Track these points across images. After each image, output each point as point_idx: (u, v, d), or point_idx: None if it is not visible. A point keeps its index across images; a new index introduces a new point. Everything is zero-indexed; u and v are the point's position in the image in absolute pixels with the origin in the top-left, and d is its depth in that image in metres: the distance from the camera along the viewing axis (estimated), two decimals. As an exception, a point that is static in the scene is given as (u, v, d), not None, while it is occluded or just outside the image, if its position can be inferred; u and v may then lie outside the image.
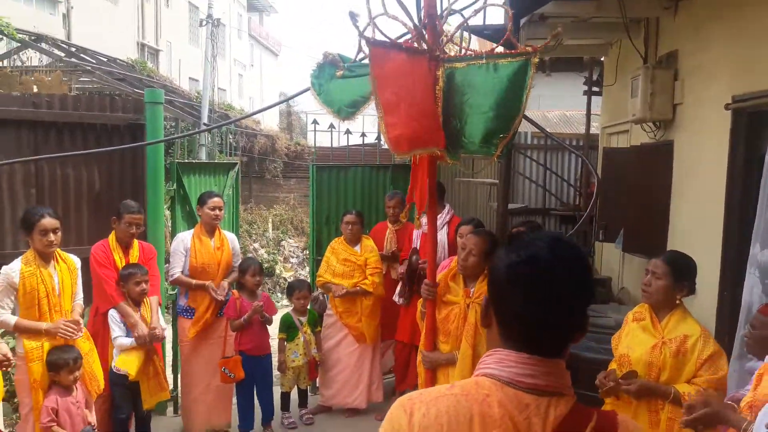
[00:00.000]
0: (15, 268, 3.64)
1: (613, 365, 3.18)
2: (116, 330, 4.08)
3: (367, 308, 5.10)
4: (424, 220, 4.17)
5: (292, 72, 52.85)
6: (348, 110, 3.37)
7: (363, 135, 6.27)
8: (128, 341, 4.05)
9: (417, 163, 3.17)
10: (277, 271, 11.59)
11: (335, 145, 6.57)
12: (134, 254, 4.39)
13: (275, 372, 5.03)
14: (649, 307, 3.08)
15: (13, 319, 3.59)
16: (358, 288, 5.06)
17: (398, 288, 4.99)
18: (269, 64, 37.97)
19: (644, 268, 3.16)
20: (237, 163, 6.40)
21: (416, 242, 5.05)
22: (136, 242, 4.43)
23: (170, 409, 5.14)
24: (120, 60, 13.83)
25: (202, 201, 4.84)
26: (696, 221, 4.67)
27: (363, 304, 5.10)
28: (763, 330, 2.45)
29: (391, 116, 3.15)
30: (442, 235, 4.91)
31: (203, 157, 8.46)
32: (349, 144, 6.35)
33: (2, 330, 3.63)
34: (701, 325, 2.96)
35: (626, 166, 5.81)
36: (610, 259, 6.36)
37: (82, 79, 11.57)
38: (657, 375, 2.88)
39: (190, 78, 23.85)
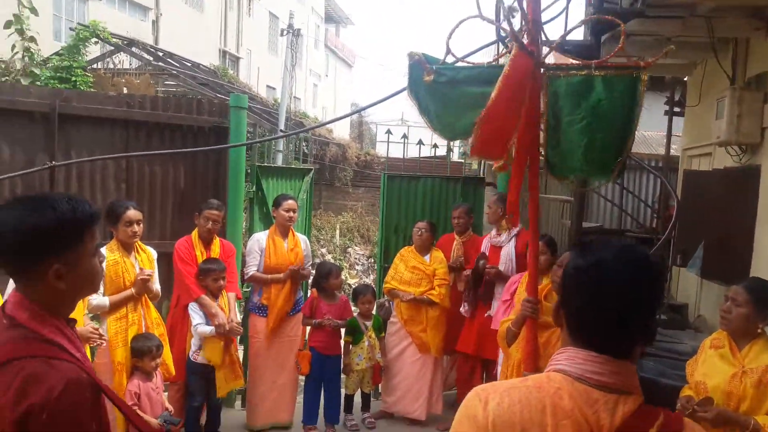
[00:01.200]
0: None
1: (686, 391, 3.08)
2: (197, 318, 4.29)
3: (433, 319, 5.12)
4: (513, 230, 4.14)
5: (364, 83, 53.67)
6: (460, 136, 3.34)
7: (435, 146, 6.33)
8: (209, 329, 4.25)
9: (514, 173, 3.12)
10: (343, 277, 11.77)
11: (407, 156, 6.65)
12: (215, 250, 4.60)
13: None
14: (728, 335, 2.97)
15: (106, 299, 3.83)
16: (425, 297, 5.09)
17: (464, 303, 4.99)
18: (343, 75, 38.69)
19: (723, 294, 3.06)
20: (312, 169, 6.58)
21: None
22: (217, 239, 4.64)
23: (238, 403, 5.32)
24: (203, 65, 14.48)
25: (277, 203, 5.00)
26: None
27: (428, 315, 5.12)
28: None
29: (486, 123, 3.13)
30: (510, 248, 4.88)
31: (279, 162, 8.75)
32: (420, 155, 6.41)
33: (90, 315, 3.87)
34: (786, 356, 2.83)
35: (708, 189, 5.60)
36: (687, 285, 6.13)
37: (167, 82, 12.18)
38: (736, 405, 2.77)
39: (267, 86, 24.61)
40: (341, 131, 23.76)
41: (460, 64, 3.31)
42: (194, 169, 5.31)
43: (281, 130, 9.44)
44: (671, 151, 7.76)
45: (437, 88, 3.31)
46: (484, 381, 4.93)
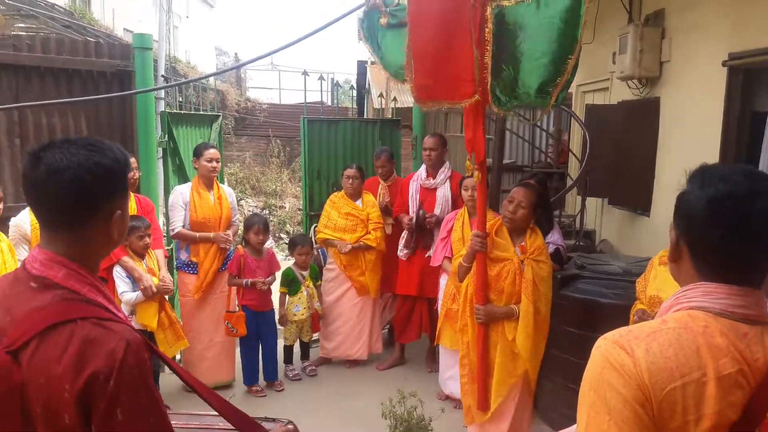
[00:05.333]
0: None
1: (639, 306, 3.35)
2: (122, 285, 3.95)
3: (370, 262, 5.12)
4: (470, 182, 4.13)
5: (229, 25, 50.89)
6: (404, 72, 3.27)
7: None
8: (135, 295, 3.93)
9: (468, 110, 3.11)
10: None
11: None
12: (132, 207, 4.21)
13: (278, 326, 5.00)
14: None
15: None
16: (361, 243, 5.06)
17: (403, 241, 5.01)
18: (205, 16, 36.34)
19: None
20: (220, 115, 6.19)
21: (415, 196, 5.06)
22: (132, 195, 4.25)
23: (167, 368, 5.03)
24: (58, 6, 12.89)
25: (198, 153, 4.66)
26: (681, 173, 4.90)
27: (366, 259, 5.11)
28: None
29: (420, 62, 3.08)
30: (445, 190, 4.95)
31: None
32: (307, 102, 6.18)
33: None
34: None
35: (611, 121, 5.99)
36: (591, 212, 6.61)
37: (19, 25, 10.70)
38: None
39: (124, 29, 22.53)
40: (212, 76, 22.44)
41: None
42: (97, 119, 4.77)
43: (162, 76, 8.73)
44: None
45: (390, 29, 3.26)
46: (427, 319, 5.03)
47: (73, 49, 4.63)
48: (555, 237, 4.20)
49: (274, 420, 1.82)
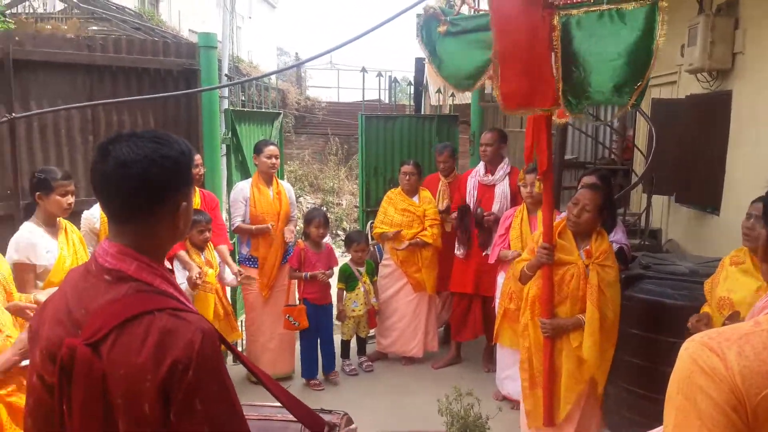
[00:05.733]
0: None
1: (706, 309, 3.21)
2: (179, 277, 4.04)
3: (426, 259, 5.11)
4: (529, 177, 4.09)
5: (290, 25, 51.79)
6: (466, 83, 3.28)
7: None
8: (183, 287, 4.04)
9: (534, 120, 3.09)
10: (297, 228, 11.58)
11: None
12: (196, 202, 4.34)
13: (335, 321, 5.06)
14: (748, 251, 3.09)
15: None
16: (418, 240, 5.05)
17: (459, 246, 4.98)
18: (267, 17, 37.09)
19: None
20: (281, 113, 6.31)
21: (473, 193, 5.01)
22: (197, 190, 4.38)
23: (230, 357, 5.16)
24: (128, 8, 13.44)
25: (258, 150, 4.77)
26: (754, 169, 4.67)
27: (422, 255, 5.10)
28: None
29: (507, 69, 3.07)
30: (504, 187, 4.88)
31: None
32: (365, 99, 6.21)
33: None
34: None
35: (679, 116, 5.76)
36: (657, 211, 6.38)
37: (92, 28, 11.22)
38: (764, 317, 2.90)
39: (189, 30, 23.26)
40: (274, 76, 22.88)
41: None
42: (165, 116, 4.95)
43: (226, 75, 8.95)
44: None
45: (450, 37, 3.28)
46: (482, 317, 4.98)
47: (143, 49, 4.81)
48: (618, 236, 4.08)
49: (330, 411, 1.84)
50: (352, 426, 1.75)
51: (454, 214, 5.02)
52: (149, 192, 1.30)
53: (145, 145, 1.30)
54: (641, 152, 6.61)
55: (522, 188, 4.36)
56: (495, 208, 4.84)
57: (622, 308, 3.69)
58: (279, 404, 1.57)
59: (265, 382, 1.50)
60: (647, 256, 4.33)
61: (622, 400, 3.87)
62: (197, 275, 3.98)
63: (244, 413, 1.33)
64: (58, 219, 3.22)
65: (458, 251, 4.98)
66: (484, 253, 4.80)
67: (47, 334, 1.32)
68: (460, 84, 3.54)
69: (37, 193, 3.11)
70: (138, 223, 1.32)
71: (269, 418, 1.81)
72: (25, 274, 2.99)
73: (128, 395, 1.21)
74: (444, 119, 6.24)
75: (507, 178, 4.90)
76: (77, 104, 4.35)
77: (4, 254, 2.95)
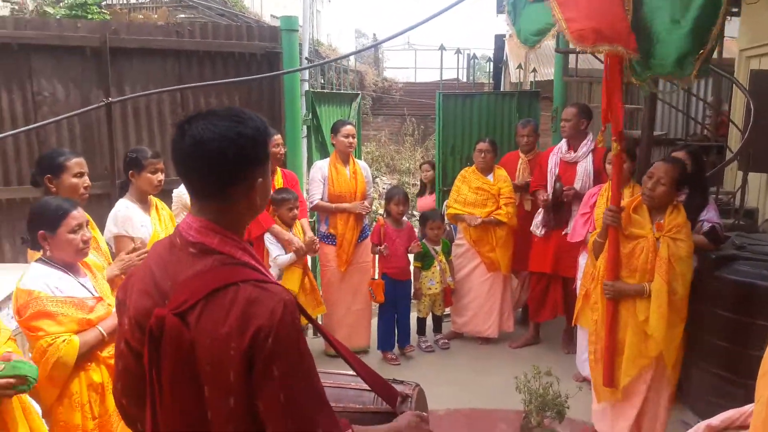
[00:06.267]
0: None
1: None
2: (275, 250, 4.26)
3: (501, 238, 5.05)
4: (589, 139, 3.99)
5: (368, 7, 51.88)
6: (533, 38, 3.24)
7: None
8: (288, 257, 4.23)
9: (607, 78, 3.00)
10: (373, 208, 11.73)
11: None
12: (278, 181, 4.49)
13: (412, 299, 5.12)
14: None
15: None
16: (492, 217, 5.00)
17: (538, 218, 4.88)
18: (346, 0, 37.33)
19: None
20: (359, 94, 6.37)
21: (554, 170, 4.88)
22: (279, 169, 4.52)
23: (311, 331, 5.35)
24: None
25: (335, 129, 4.85)
26: None
27: (496, 234, 5.04)
28: None
29: (569, 10, 3.01)
30: (587, 164, 4.72)
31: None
32: (443, 79, 6.14)
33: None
34: None
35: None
36: (754, 189, 6.01)
37: (181, 16, 11.71)
38: None
39: (271, 15, 23.78)
40: (351, 57, 23.07)
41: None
42: (249, 98, 5.13)
43: (306, 58, 9.09)
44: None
45: (534, 3, 3.23)
46: (562, 298, 4.89)
47: (228, 34, 4.99)
48: (711, 214, 3.87)
49: (402, 382, 1.87)
50: (425, 399, 1.77)
51: (542, 195, 4.85)
52: (225, 169, 1.32)
53: (221, 123, 1.32)
54: (737, 127, 6.22)
55: (608, 166, 4.21)
56: (577, 186, 4.69)
57: (712, 289, 3.53)
58: (353, 373, 1.60)
59: (343, 352, 1.54)
60: (741, 236, 4.09)
61: (708, 385, 3.71)
62: (302, 245, 4.22)
63: (322, 380, 1.37)
64: (149, 196, 3.42)
65: (537, 229, 4.88)
66: (563, 232, 4.69)
67: (135, 304, 1.39)
68: (527, 40, 3.49)
69: (130, 171, 3.32)
70: (217, 199, 1.36)
71: (344, 386, 1.85)
72: (124, 246, 3.20)
73: (215, 363, 1.26)
74: (525, 95, 6.10)
75: (590, 155, 4.73)
76: (167, 88, 4.57)
77: (102, 230, 3.17)
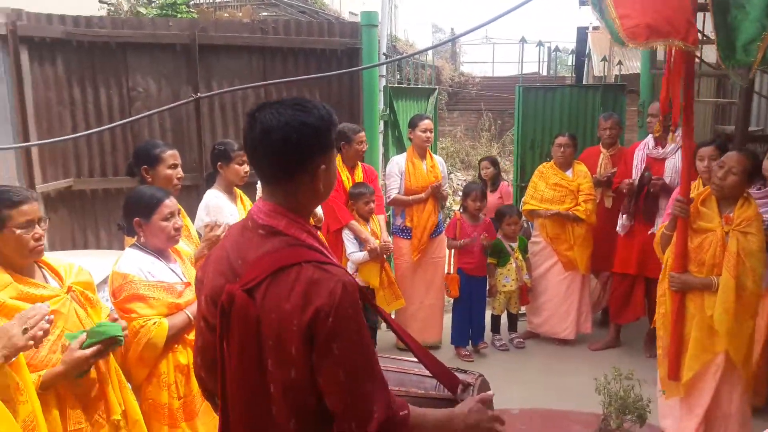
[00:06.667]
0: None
1: None
2: (350, 246, 4.34)
3: (579, 237, 4.91)
4: (705, 150, 3.85)
5: (445, 1, 51.61)
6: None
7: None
8: (362, 255, 4.29)
9: (671, 69, 2.91)
10: (447, 204, 11.66)
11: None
12: (359, 175, 4.57)
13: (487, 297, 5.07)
14: None
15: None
16: (569, 213, 4.87)
17: (623, 218, 4.68)
18: (422, -5, 37.22)
19: None
20: (436, 89, 6.36)
21: (640, 166, 4.69)
22: (359, 164, 4.59)
23: (384, 325, 5.39)
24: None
25: (413, 124, 4.87)
26: None
27: (574, 232, 4.91)
28: None
29: (623, 7, 2.92)
30: (675, 160, 4.52)
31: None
32: (522, 73, 6.00)
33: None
34: None
35: None
36: None
37: (263, 14, 12.06)
38: None
39: (350, 12, 24.07)
40: (427, 51, 23.01)
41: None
42: (329, 93, 5.23)
43: (384, 54, 9.14)
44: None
45: None
46: (646, 300, 4.70)
47: (309, 30, 5.11)
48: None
49: (465, 371, 1.86)
50: (489, 392, 1.75)
51: (627, 181, 4.67)
52: (289, 156, 1.40)
53: (286, 111, 1.39)
54: None
55: (698, 162, 4.02)
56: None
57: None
58: (417, 360, 1.64)
59: (411, 344, 1.59)
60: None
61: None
62: (377, 246, 4.29)
63: (384, 365, 1.41)
64: (234, 188, 3.55)
65: (620, 227, 4.70)
66: (649, 232, 4.50)
67: (210, 282, 1.51)
68: (620, 39, 3.39)
69: (219, 162, 3.46)
70: (283, 185, 1.44)
71: (406, 371, 1.87)
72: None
73: (278, 337, 1.34)
74: (609, 89, 5.91)
75: (680, 151, 4.51)
76: (252, 84, 4.73)
77: (192, 219, 3.33)
